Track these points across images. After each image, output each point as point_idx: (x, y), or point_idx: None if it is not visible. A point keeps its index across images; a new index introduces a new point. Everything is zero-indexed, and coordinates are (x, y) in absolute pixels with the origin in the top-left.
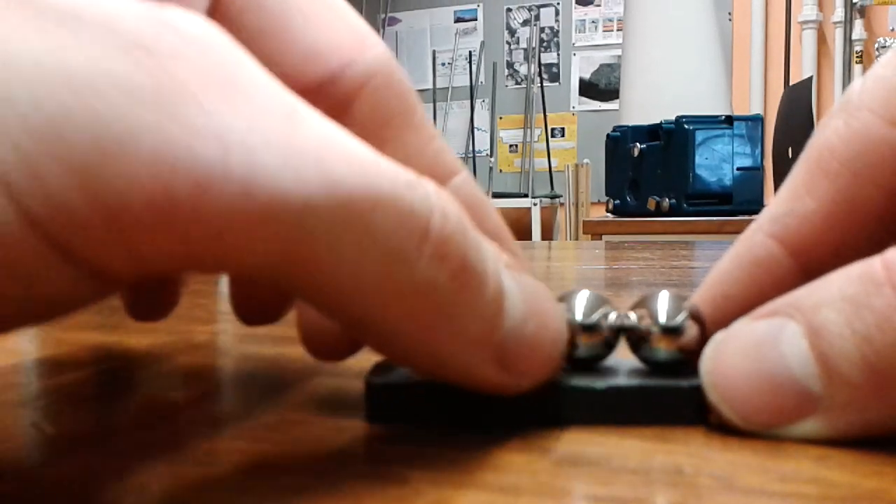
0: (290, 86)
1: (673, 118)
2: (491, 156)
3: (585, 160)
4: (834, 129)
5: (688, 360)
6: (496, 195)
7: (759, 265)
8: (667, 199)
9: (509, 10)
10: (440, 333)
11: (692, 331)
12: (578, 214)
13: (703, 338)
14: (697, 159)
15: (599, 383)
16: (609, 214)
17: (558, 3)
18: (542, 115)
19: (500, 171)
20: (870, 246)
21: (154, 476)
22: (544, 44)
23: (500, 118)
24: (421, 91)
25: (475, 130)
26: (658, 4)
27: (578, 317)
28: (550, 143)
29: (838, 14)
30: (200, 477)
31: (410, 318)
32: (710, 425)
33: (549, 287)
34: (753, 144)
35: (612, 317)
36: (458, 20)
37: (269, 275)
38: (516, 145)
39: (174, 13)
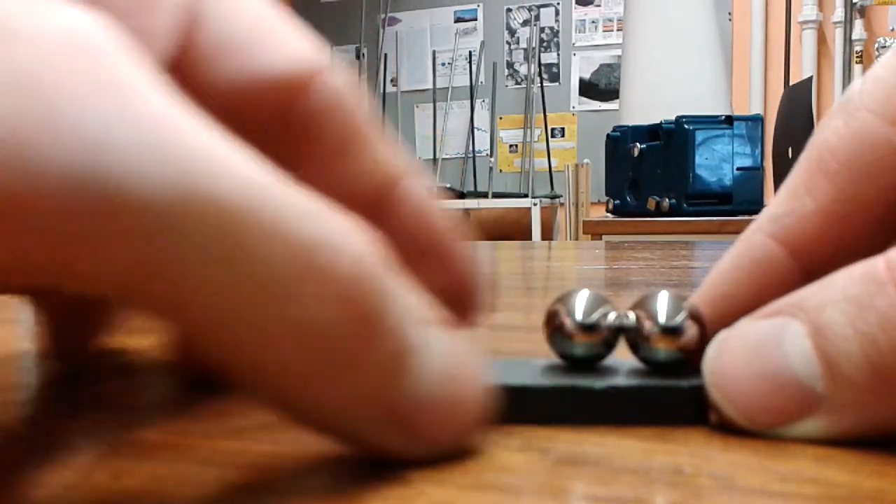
0: (254, 108)
1: (673, 118)
2: (491, 156)
3: (585, 160)
4: (833, 129)
5: (687, 360)
6: (496, 195)
7: (759, 265)
8: (667, 200)
9: (509, 10)
10: (326, 383)
11: (692, 331)
12: (578, 214)
13: (703, 338)
14: (697, 159)
15: (599, 383)
16: (609, 214)
17: (558, 4)
18: (542, 115)
19: (500, 171)
20: (870, 246)
21: (153, 476)
22: (544, 44)
23: (500, 118)
24: (421, 91)
25: (475, 130)
26: (658, 4)
27: (578, 316)
28: (550, 143)
29: (838, 14)
30: (199, 477)
31: (290, 362)
32: (710, 425)
33: (550, 287)
34: (753, 144)
35: (612, 316)
36: (458, 20)
37: (125, 285)
38: (516, 145)
39: (58, 5)
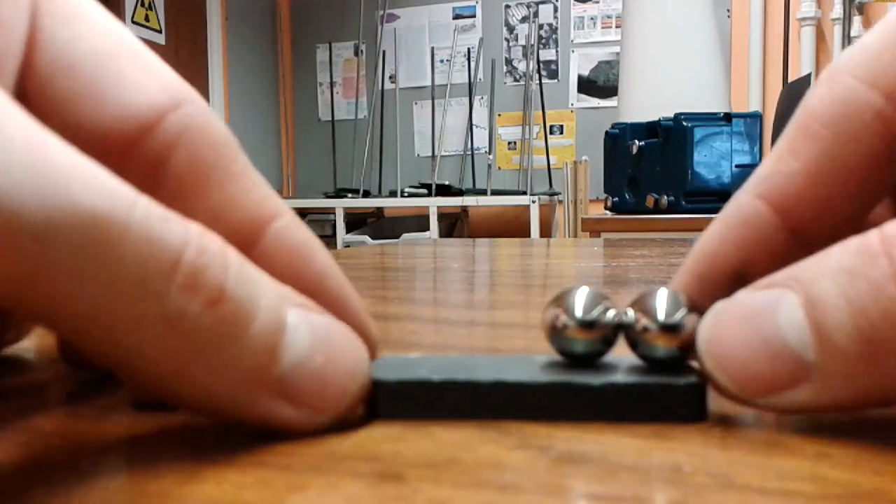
0: (104, 144)
1: (671, 115)
2: (489, 153)
3: (584, 157)
4: (818, 95)
5: (686, 357)
6: (495, 192)
7: (746, 223)
8: (665, 197)
9: (508, 6)
10: (202, 368)
11: (690, 328)
12: (577, 212)
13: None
14: (696, 156)
15: (597, 380)
16: (608, 212)
17: (557, 0)
18: (540, 112)
19: (499, 168)
20: (855, 207)
21: (150, 472)
22: (543, 41)
23: (499, 115)
24: (419, 88)
25: (473, 128)
26: (657, 1)
27: (578, 313)
28: (549, 141)
29: (837, 11)
30: (196, 476)
31: (166, 353)
32: (708, 422)
33: (548, 285)
34: (752, 142)
35: (611, 314)
36: (456, 17)
37: (8, 296)
38: (515, 142)
39: None
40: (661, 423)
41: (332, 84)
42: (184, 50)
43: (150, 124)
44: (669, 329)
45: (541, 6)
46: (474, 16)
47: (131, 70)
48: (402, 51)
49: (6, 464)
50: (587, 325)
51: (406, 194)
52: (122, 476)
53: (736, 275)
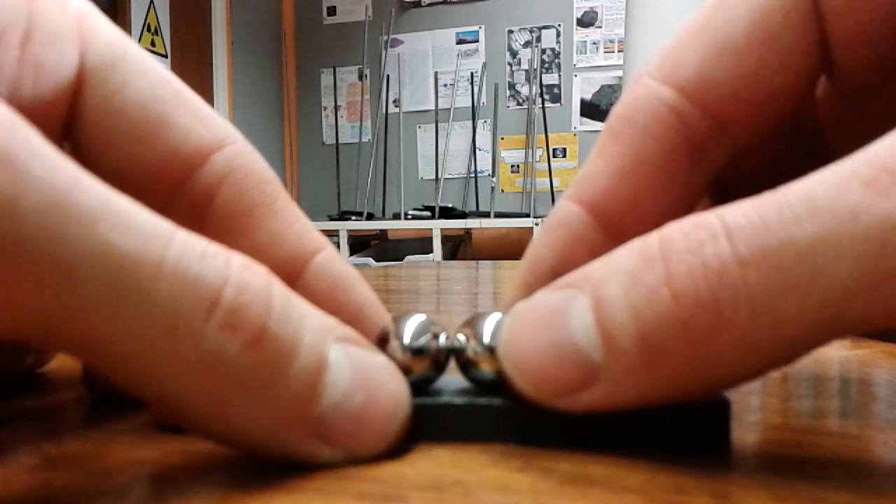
0: (153, 185)
1: None
2: (493, 176)
3: None
4: (621, 98)
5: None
6: (498, 215)
7: (563, 226)
8: None
9: (511, 31)
10: (239, 408)
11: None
12: None
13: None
14: None
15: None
16: None
17: (559, 25)
18: (543, 135)
19: (502, 191)
20: (667, 203)
21: (154, 492)
22: (546, 65)
23: (502, 138)
24: (423, 112)
25: (477, 151)
26: (659, 26)
27: (406, 340)
28: (552, 164)
29: None
30: (200, 494)
31: (203, 392)
32: (729, 449)
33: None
34: None
35: (442, 339)
36: (460, 42)
37: (41, 334)
38: (518, 165)
39: None
40: (685, 450)
41: (336, 108)
42: (189, 75)
43: (197, 164)
44: (494, 352)
45: (543, 31)
46: (477, 41)
47: (177, 112)
48: (405, 75)
49: (30, 488)
50: (417, 351)
51: (409, 217)
52: (124, 496)
53: (555, 276)
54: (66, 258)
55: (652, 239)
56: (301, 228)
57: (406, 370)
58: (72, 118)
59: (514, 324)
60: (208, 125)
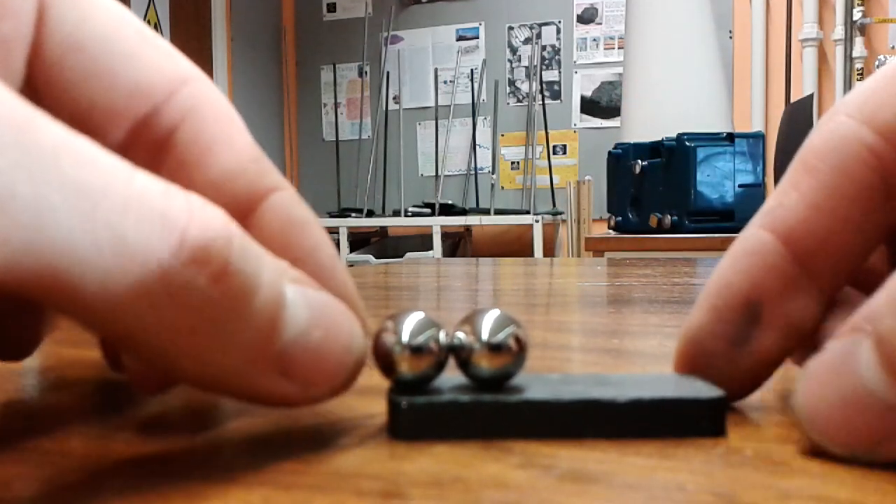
0: (114, 124)
1: (674, 135)
2: (493, 173)
3: (588, 177)
4: (815, 133)
5: (511, 377)
6: (498, 212)
7: (754, 253)
8: (669, 216)
9: (511, 28)
10: (206, 342)
11: (515, 346)
12: (580, 231)
13: (522, 352)
14: (699, 176)
15: (623, 396)
16: (611, 231)
17: (560, 22)
18: (543, 132)
19: (502, 187)
20: (858, 241)
21: (156, 491)
22: (546, 62)
23: (502, 135)
24: (423, 109)
25: (477, 147)
26: (659, 22)
27: (405, 338)
28: (552, 160)
29: (838, 32)
30: (201, 495)
31: (171, 328)
32: (726, 437)
33: (552, 304)
34: (755, 161)
35: (441, 337)
36: (460, 38)
37: (12, 284)
38: (518, 162)
39: None
40: (682, 437)
41: (336, 105)
42: None
43: (160, 101)
44: (494, 349)
45: (543, 28)
46: (477, 37)
47: (140, 50)
48: (405, 72)
49: (7, 484)
50: (416, 349)
51: (409, 214)
52: (130, 496)
53: (747, 303)
54: (28, 197)
55: None
56: (260, 167)
57: (405, 368)
58: (33, 56)
59: (807, 380)
60: (171, 62)
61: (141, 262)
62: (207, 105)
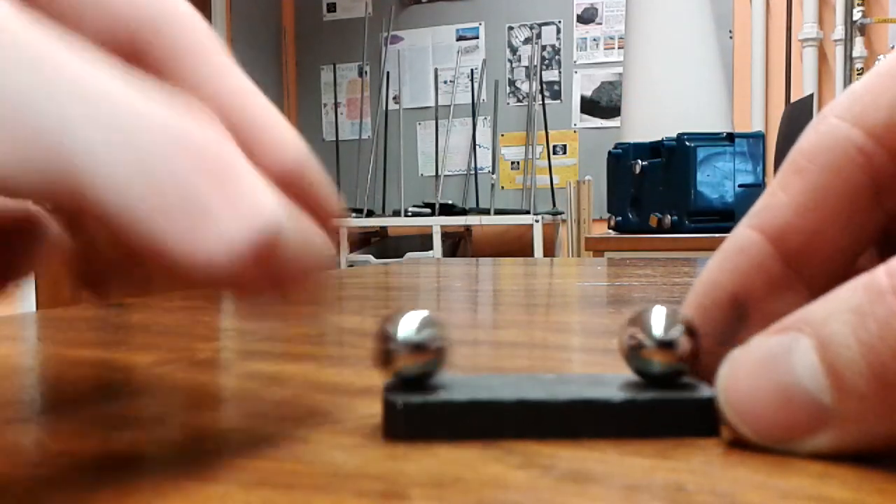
0: (96, 39)
1: (674, 135)
2: (493, 172)
3: (588, 177)
4: (805, 134)
5: (681, 371)
6: (498, 212)
7: (742, 252)
8: (669, 216)
9: (511, 28)
10: (192, 226)
11: (686, 344)
12: (580, 231)
13: (696, 350)
14: (699, 176)
15: (617, 396)
16: (611, 231)
17: (560, 22)
18: (543, 132)
19: (502, 187)
20: (845, 241)
21: (156, 492)
22: (546, 62)
23: (502, 135)
24: (423, 108)
25: (477, 147)
26: (659, 22)
27: (406, 335)
28: (552, 160)
29: (838, 32)
30: (201, 493)
31: (162, 209)
32: (720, 437)
33: (552, 304)
34: (755, 161)
35: (441, 335)
36: (460, 38)
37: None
38: (518, 162)
39: None
40: (677, 437)
41: (336, 105)
42: None
43: (148, 22)
44: (666, 345)
45: (543, 28)
46: (477, 37)
47: None
48: (405, 72)
49: (6, 485)
50: (417, 346)
51: (409, 214)
52: (129, 496)
53: (734, 301)
54: (57, 106)
55: (878, 273)
56: (237, 85)
57: (405, 365)
58: None
59: (732, 370)
60: None
61: (166, 156)
62: (181, 19)
